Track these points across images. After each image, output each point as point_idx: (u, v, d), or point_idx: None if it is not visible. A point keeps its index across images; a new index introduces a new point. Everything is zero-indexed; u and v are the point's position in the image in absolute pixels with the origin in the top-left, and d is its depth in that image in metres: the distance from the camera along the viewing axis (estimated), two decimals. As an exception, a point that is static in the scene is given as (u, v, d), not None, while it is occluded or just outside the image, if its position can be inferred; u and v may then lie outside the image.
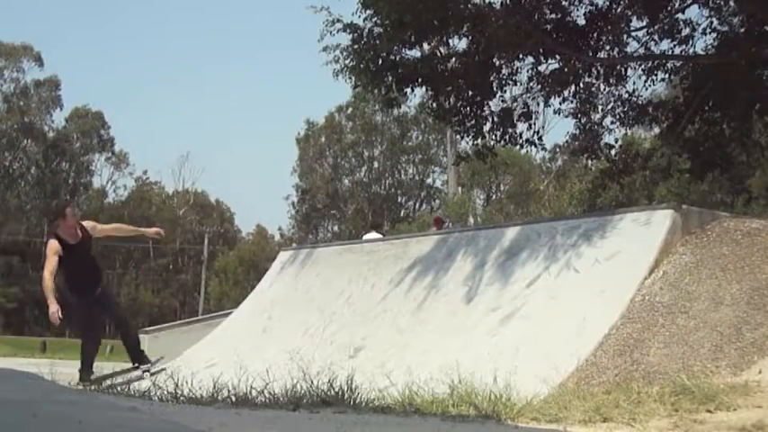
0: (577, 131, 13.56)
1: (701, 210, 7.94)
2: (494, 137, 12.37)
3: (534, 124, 12.54)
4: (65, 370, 6.62)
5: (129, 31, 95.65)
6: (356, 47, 11.11)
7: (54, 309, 7.29)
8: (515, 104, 12.43)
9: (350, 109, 51.42)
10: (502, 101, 12.43)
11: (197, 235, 65.65)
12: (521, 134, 12.36)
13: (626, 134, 17.89)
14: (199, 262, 60.58)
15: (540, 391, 4.98)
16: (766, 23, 11.40)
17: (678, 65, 12.82)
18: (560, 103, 13.01)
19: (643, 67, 12.68)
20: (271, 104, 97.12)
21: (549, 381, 5.44)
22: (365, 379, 5.40)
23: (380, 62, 11.19)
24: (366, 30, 10.97)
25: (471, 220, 39.89)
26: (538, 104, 12.86)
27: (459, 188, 43.91)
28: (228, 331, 12.53)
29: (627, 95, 12.99)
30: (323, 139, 53.19)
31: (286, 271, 13.02)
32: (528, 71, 12.20)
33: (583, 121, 13.26)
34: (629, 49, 12.60)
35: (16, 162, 64.82)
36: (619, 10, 11.97)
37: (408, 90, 11.82)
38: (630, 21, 12.26)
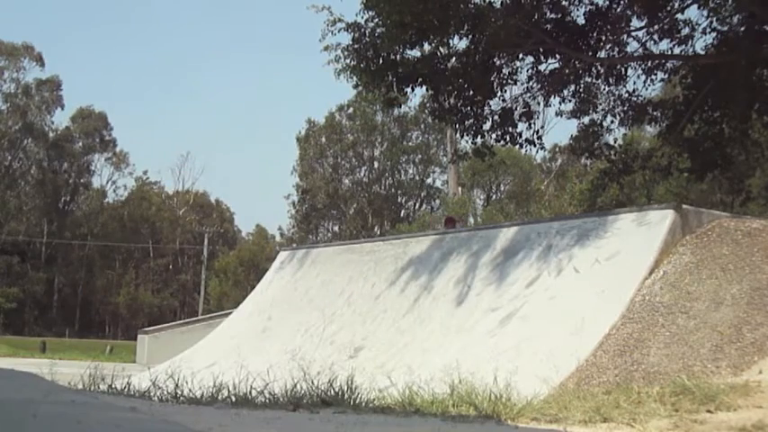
0: (578, 131, 13.58)
1: (701, 210, 7.94)
2: (494, 136, 12.39)
3: (534, 124, 12.56)
4: (65, 370, 6.61)
5: (130, 31, 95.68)
6: (357, 46, 11.13)
7: None
8: (515, 104, 12.44)
9: (350, 109, 51.40)
10: (502, 100, 12.45)
11: (197, 235, 65.62)
12: (520, 134, 12.38)
13: (626, 134, 17.92)
14: (199, 262, 60.59)
15: (540, 392, 4.97)
16: (766, 23, 11.39)
17: (678, 65, 12.82)
18: (560, 103, 13.04)
19: (643, 66, 12.68)
20: (271, 104, 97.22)
21: (549, 381, 5.43)
22: (365, 379, 5.40)
23: (381, 62, 11.20)
24: (368, 30, 10.99)
25: (471, 219, 39.88)
26: (538, 104, 12.89)
27: (460, 188, 43.88)
28: (228, 331, 12.53)
29: (627, 95, 13.00)
30: (323, 138, 53.19)
31: (286, 271, 13.01)
32: (528, 71, 12.22)
33: (583, 120, 13.28)
34: (628, 49, 12.62)
35: (16, 162, 64.85)
36: (619, 10, 11.97)
37: (409, 89, 11.83)
38: (630, 21, 12.26)
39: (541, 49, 11.59)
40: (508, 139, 12.36)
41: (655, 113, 13.40)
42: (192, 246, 65.81)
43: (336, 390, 4.52)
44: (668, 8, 12.13)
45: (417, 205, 55.62)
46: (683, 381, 4.43)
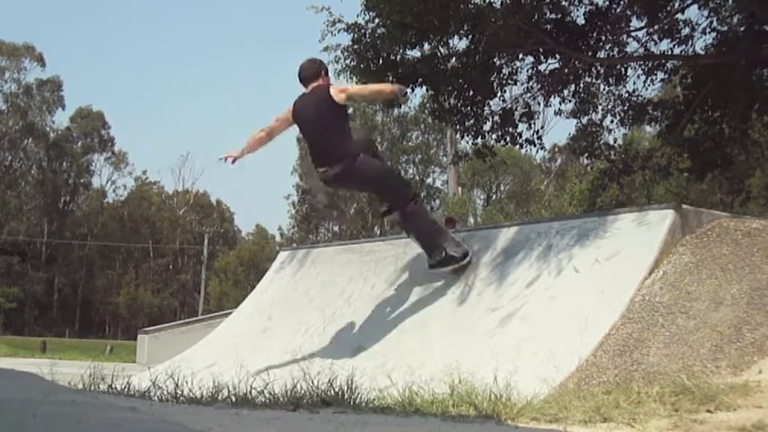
0: (576, 131, 13.60)
1: (701, 210, 7.93)
2: (494, 137, 12.40)
3: (534, 124, 12.59)
4: (65, 370, 6.62)
5: (130, 31, 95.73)
6: (357, 47, 11.14)
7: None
8: (516, 104, 12.45)
9: (350, 109, 51.49)
10: (502, 100, 12.46)
11: (197, 235, 65.60)
12: (520, 134, 12.39)
13: (626, 134, 17.95)
14: (199, 262, 60.56)
15: (540, 391, 4.96)
16: (766, 23, 11.40)
17: (678, 65, 12.83)
18: (560, 103, 13.07)
19: (643, 66, 12.69)
20: (271, 104, 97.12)
21: (550, 381, 5.43)
22: (365, 379, 5.40)
23: (381, 62, 11.21)
24: (368, 30, 11.00)
25: (471, 219, 39.89)
26: (538, 104, 12.90)
27: (460, 188, 43.90)
28: (228, 331, 12.51)
29: (627, 95, 13.01)
30: (323, 138, 53.11)
31: (286, 271, 13.00)
32: (528, 71, 12.23)
33: (583, 120, 13.30)
34: (628, 49, 12.63)
35: (17, 162, 64.84)
36: (619, 10, 11.98)
37: (409, 90, 11.83)
38: (630, 21, 12.28)
39: (541, 49, 11.60)
40: (508, 139, 12.38)
41: (655, 113, 13.42)
42: (192, 246, 65.81)
43: (336, 390, 4.52)
44: (668, 8, 12.14)
45: (417, 205, 55.54)
46: (683, 381, 4.43)
